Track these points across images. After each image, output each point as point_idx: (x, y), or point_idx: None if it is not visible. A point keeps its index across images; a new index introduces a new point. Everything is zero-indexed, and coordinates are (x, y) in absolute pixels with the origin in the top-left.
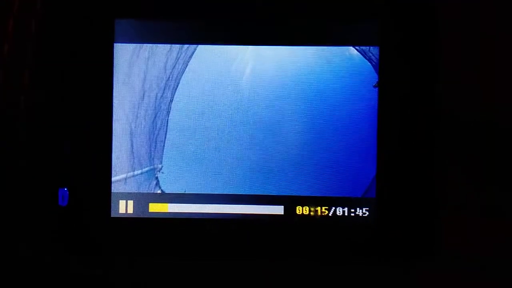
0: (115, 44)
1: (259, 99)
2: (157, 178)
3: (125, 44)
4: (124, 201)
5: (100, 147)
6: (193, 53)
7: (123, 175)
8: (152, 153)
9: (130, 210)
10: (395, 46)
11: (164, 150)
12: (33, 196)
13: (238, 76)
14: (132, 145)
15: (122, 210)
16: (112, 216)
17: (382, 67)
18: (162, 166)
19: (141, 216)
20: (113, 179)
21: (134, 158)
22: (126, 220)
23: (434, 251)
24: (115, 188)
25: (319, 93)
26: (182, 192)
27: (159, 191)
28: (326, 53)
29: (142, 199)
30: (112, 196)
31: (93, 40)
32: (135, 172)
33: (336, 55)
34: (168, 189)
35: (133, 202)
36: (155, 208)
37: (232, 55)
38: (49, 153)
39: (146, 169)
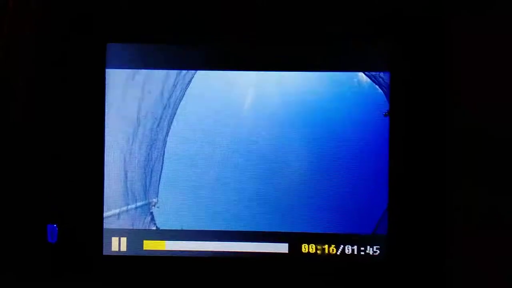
0: (107, 70)
1: (261, 128)
2: (152, 213)
3: (118, 69)
4: (117, 238)
5: (91, 180)
6: (191, 78)
7: (116, 210)
8: (147, 187)
9: (124, 248)
10: (407, 71)
11: (160, 184)
12: (20, 233)
13: (239, 104)
14: (125, 178)
15: (115, 247)
16: (104, 253)
17: (393, 94)
18: (157, 201)
19: (135, 254)
20: (105, 214)
21: (127, 192)
22: (119, 258)
23: None
24: (107, 224)
25: (326, 122)
26: (179, 228)
27: (154, 227)
28: (333, 79)
29: (136, 236)
30: (104, 233)
31: (83, 66)
32: (129, 207)
33: (344, 82)
34: (163, 225)
35: (127, 239)
36: (150, 245)
37: (233, 81)
38: (37, 187)
39: (141, 203)
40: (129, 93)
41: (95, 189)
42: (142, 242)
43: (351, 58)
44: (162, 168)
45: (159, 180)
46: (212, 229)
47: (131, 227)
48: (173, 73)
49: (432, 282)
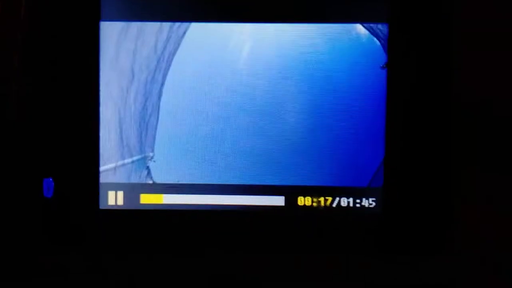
0: (101, 23)
1: (258, 81)
2: (148, 167)
3: (112, 22)
4: (114, 192)
5: (87, 134)
6: (185, 31)
7: (112, 164)
8: (143, 141)
9: (120, 202)
10: (406, 22)
11: (156, 137)
12: (16, 187)
13: (235, 57)
14: (121, 132)
15: (111, 201)
16: (100, 208)
17: (391, 46)
18: (153, 155)
19: (132, 208)
20: (101, 168)
21: (123, 146)
22: (116, 212)
23: (445, 246)
24: (103, 178)
25: (322, 74)
26: (176, 182)
27: (150, 182)
28: (330, 31)
29: (132, 190)
30: (100, 187)
31: (77, 19)
32: (125, 161)
33: (342, 33)
34: (160, 179)
35: (123, 193)
36: (147, 199)
37: (228, 33)
38: (32, 141)
39: (137, 157)
40: (123, 46)
41: (91, 143)
42: (139, 196)
43: (348, 8)
44: (157, 122)
45: (155, 134)
46: (208, 183)
47: (128, 181)
48: (166, 25)
49: (428, 234)
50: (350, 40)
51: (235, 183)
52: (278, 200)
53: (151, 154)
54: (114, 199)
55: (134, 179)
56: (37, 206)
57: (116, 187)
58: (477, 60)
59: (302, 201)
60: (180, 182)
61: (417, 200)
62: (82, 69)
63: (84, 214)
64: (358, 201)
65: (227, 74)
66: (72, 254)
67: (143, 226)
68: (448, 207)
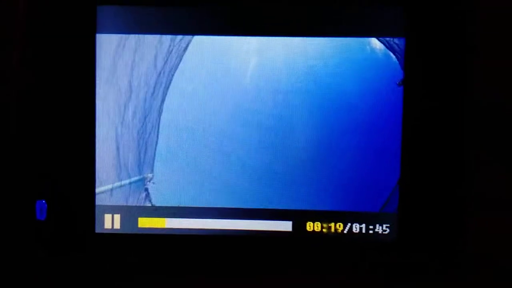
0: (97, 35)
1: (265, 98)
2: (147, 189)
3: (108, 34)
4: (110, 215)
5: (82, 154)
6: (187, 45)
7: (109, 185)
8: (142, 161)
9: (117, 225)
10: (424, 37)
11: (155, 157)
12: (7, 210)
13: (240, 72)
14: (118, 151)
15: (108, 225)
16: (96, 231)
17: (408, 61)
18: (153, 176)
19: (130, 232)
20: (97, 190)
21: (120, 166)
22: (112, 237)
23: (461, 272)
24: (99, 201)
25: (334, 92)
26: (176, 205)
27: (149, 204)
28: (343, 44)
29: (130, 213)
30: (96, 209)
31: (73, 31)
32: (122, 183)
33: (355, 48)
34: (159, 202)
35: (120, 216)
36: (145, 223)
37: (233, 47)
38: (25, 161)
39: (135, 179)
40: (121, 60)
41: (86, 163)
42: (137, 219)
43: (363, 22)
44: (157, 140)
45: (155, 154)
46: (211, 206)
47: (125, 204)
48: (167, 38)
49: (444, 263)
50: (364, 55)
51: (240, 207)
52: (286, 225)
53: (150, 175)
54: (111, 222)
55: (132, 202)
56: (29, 230)
57: (113, 210)
58: (495, 75)
59: (311, 226)
60: (181, 206)
61: (433, 226)
62: (78, 84)
63: (79, 237)
64: (371, 227)
65: (231, 90)
66: (67, 277)
67: (141, 250)
68: (464, 234)
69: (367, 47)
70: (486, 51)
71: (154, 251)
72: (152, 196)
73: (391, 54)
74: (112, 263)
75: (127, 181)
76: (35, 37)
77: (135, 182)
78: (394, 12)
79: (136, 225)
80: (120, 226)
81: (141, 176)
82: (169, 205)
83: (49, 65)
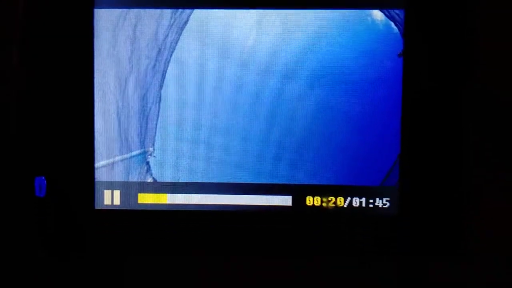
0: (95, 10)
1: (264, 72)
2: (148, 163)
3: (107, 9)
4: (110, 191)
5: (81, 130)
6: (188, 18)
7: (110, 160)
8: (143, 135)
9: (117, 201)
10: (423, 8)
11: (156, 131)
12: (6, 186)
13: (240, 45)
14: (119, 126)
15: (107, 201)
16: (96, 208)
17: (407, 33)
18: (153, 149)
19: (130, 208)
20: (98, 164)
21: (122, 140)
22: (112, 213)
23: (461, 247)
24: (100, 175)
25: (334, 65)
26: (176, 180)
27: (150, 179)
28: (344, 16)
29: (130, 189)
30: (96, 186)
31: (70, 6)
32: (123, 156)
33: (356, 19)
34: (160, 176)
35: (120, 192)
36: (145, 199)
37: (233, 20)
38: (23, 137)
39: (136, 152)
40: (122, 34)
41: (85, 139)
42: (137, 195)
43: None
44: (158, 114)
45: (156, 128)
46: (211, 181)
47: (126, 179)
48: (167, 11)
49: (445, 237)
50: (365, 26)
51: (239, 182)
52: (285, 200)
53: (151, 148)
54: (111, 198)
55: (133, 176)
56: (29, 206)
57: (112, 186)
58: (497, 51)
59: (311, 201)
60: (180, 181)
61: (433, 200)
62: (75, 61)
63: (79, 214)
64: (371, 201)
65: (231, 63)
66: (66, 255)
67: (141, 226)
68: (464, 207)
69: (368, 17)
70: (486, 29)
71: (154, 227)
72: (153, 169)
73: (392, 24)
74: (112, 239)
75: (128, 155)
76: (37, 17)
77: (136, 156)
78: None
79: (136, 201)
80: (120, 202)
81: (142, 150)
82: (170, 180)
83: (48, 42)
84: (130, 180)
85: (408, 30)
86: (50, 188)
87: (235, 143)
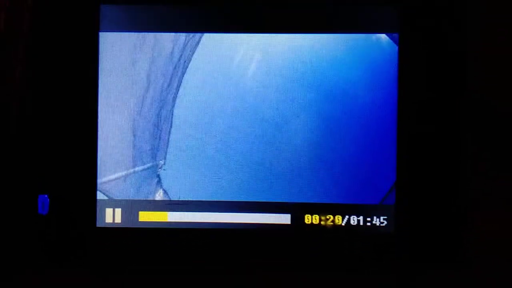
0: (105, 33)
1: (265, 93)
2: (158, 175)
3: (111, 32)
4: (111, 209)
5: (84, 149)
6: (199, 39)
7: (123, 172)
8: (155, 149)
9: (118, 219)
10: (418, 33)
11: (168, 147)
12: (9, 204)
13: (244, 68)
14: (134, 140)
15: (109, 219)
16: (97, 226)
17: (402, 57)
18: (164, 163)
19: (131, 226)
20: (112, 176)
21: (135, 154)
22: (113, 231)
23: (459, 263)
24: (113, 187)
25: (333, 86)
26: (176, 199)
27: (150, 198)
28: (346, 39)
29: (131, 207)
30: (97, 204)
31: (77, 30)
32: (136, 169)
33: (355, 41)
34: (170, 188)
35: (121, 211)
36: (146, 217)
37: (240, 43)
38: (27, 156)
39: (148, 165)
40: (141, 54)
41: (88, 158)
42: (138, 213)
43: (358, 19)
44: (170, 130)
45: (168, 143)
46: (212, 200)
47: (137, 190)
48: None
49: (442, 255)
50: (365, 48)
51: (240, 200)
52: (284, 218)
53: (161, 162)
54: (112, 216)
55: (145, 188)
56: (32, 224)
57: (113, 204)
58: (491, 69)
59: (310, 219)
60: (181, 199)
61: (430, 217)
62: (80, 82)
63: (81, 231)
64: (368, 219)
65: (236, 86)
66: (68, 273)
67: (141, 244)
68: (462, 223)
69: (370, 39)
70: (482, 40)
71: (155, 245)
72: (164, 181)
73: (394, 44)
74: (113, 257)
75: (140, 168)
76: (44, 36)
77: (148, 169)
78: (388, 9)
79: (137, 219)
80: (121, 220)
81: (154, 163)
82: (169, 199)
83: (55, 62)
84: (142, 191)
85: (402, 54)
86: (52, 206)
87: (236, 163)
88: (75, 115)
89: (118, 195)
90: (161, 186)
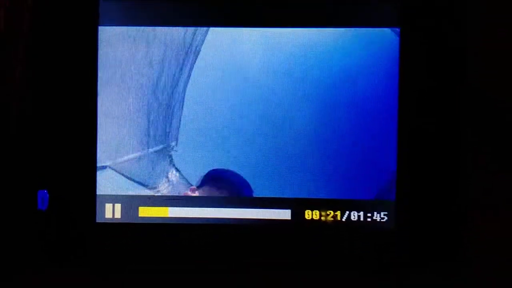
0: (104, 28)
1: (264, 87)
2: (170, 156)
3: (110, 27)
4: (111, 204)
5: (84, 144)
6: (207, 30)
7: (137, 153)
8: (167, 131)
9: (118, 215)
10: (417, 27)
11: (180, 129)
12: (9, 200)
13: (247, 63)
14: (148, 122)
15: (108, 214)
16: (97, 221)
17: (403, 52)
18: (176, 144)
19: (130, 221)
20: (126, 157)
21: (149, 135)
22: (113, 226)
23: (461, 258)
24: (127, 167)
25: (332, 79)
26: (176, 194)
27: (150, 194)
28: (345, 33)
29: (131, 202)
30: (97, 199)
31: (76, 24)
32: (150, 150)
33: (358, 36)
34: (182, 167)
35: (121, 206)
36: (146, 212)
37: (242, 38)
38: (26, 151)
39: (160, 147)
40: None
41: (87, 153)
42: (138, 208)
43: (359, 14)
44: (181, 113)
45: (179, 125)
46: (211, 195)
47: (151, 170)
48: None
49: (443, 249)
50: (366, 40)
51: (239, 195)
52: (285, 214)
53: (173, 143)
54: (112, 212)
55: (158, 168)
56: (31, 219)
57: (113, 199)
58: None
59: (310, 215)
60: (181, 194)
61: (431, 213)
62: (80, 77)
63: (80, 227)
64: (369, 215)
65: (238, 80)
66: (67, 269)
67: (141, 240)
68: (463, 218)
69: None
70: (483, 35)
71: (155, 240)
72: (175, 161)
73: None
74: (113, 253)
75: (153, 149)
76: (39, 35)
77: (161, 150)
78: (390, 4)
79: (137, 214)
80: (121, 215)
81: (166, 145)
82: (170, 194)
83: (55, 56)
84: (155, 171)
85: (403, 48)
86: (52, 201)
87: (235, 158)
88: (75, 110)
89: (133, 174)
90: (173, 165)
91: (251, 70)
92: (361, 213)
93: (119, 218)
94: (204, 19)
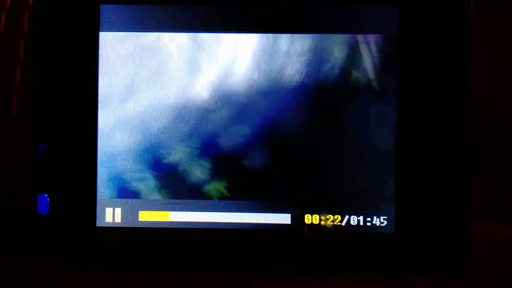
0: (105, 33)
1: (263, 93)
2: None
3: (111, 32)
4: (111, 208)
5: (84, 148)
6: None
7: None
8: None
9: (118, 219)
10: (415, 34)
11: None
12: (9, 204)
13: (240, 68)
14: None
15: (109, 219)
16: (97, 225)
17: (402, 59)
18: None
19: (131, 225)
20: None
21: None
22: (113, 230)
23: (462, 265)
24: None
25: (331, 86)
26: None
27: (150, 198)
28: (341, 39)
29: (131, 206)
30: (97, 203)
31: (77, 30)
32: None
33: (351, 41)
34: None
35: (121, 210)
36: (146, 216)
37: (230, 44)
38: (27, 155)
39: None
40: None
41: (88, 157)
42: (138, 213)
43: (356, 19)
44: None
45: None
46: (210, 199)
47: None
48: None
49: (443, 254)
50: (360, 48)
51: (237, 200)
52: (284, 218)
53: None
54: (112, 216)
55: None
56: (31, 224)
57: (113, 203)
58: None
59: (310, 219)
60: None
61: (431, 218)
62: (80, 81)
63: (80, 231)
64: (368, 219)
65: (233, 85)
66: (67, 273)
67: (141, 244)
68: (466, 225)
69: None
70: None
71: (155, 245)
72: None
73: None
74: (113, 257)
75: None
76: (39, 36)
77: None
78: (387, 10)
79: (137, 218)
80: (121, 219)
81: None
82: (169, 199)
83: (56, 61)
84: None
85: (402, 56)
86: (52, 205)
87: (234, 163)
88: (75, 114)
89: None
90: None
91: (243, 80)
92: (361, 217)
93: (120, 222)
94: (203, 24)
